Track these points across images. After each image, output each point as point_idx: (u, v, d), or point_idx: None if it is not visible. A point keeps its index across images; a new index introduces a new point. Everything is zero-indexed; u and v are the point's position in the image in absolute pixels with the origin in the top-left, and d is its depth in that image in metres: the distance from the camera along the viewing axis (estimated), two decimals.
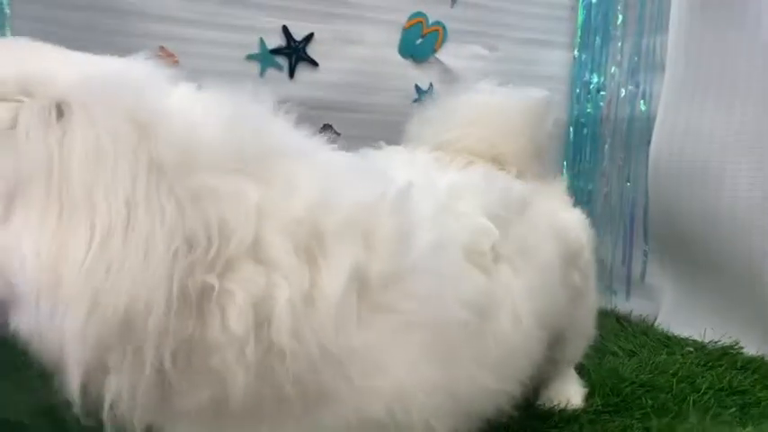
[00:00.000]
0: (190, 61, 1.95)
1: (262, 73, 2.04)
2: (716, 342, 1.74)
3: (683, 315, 1.91)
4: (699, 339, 1.78)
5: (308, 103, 2.15)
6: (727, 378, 1.48)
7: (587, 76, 2.32)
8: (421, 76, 2.24)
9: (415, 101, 2.21)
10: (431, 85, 2.24)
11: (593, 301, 1.32)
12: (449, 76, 2.26)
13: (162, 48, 1.91)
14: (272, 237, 0.69)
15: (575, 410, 1.32)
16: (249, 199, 0.69)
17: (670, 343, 1.81)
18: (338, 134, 2.13)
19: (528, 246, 0.99)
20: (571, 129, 2.39)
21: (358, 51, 2.14)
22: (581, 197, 2.32)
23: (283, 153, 0.76)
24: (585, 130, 2.33)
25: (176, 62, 1.93)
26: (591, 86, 2.30)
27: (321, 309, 0.69)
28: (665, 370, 1.55)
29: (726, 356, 1.64)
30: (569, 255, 1.17)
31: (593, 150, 2.30)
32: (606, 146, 2.25)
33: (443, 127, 1.22)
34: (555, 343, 1.18)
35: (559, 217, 1.19)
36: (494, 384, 0.85)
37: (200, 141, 0.69)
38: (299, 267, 0.69)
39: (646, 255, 2.10)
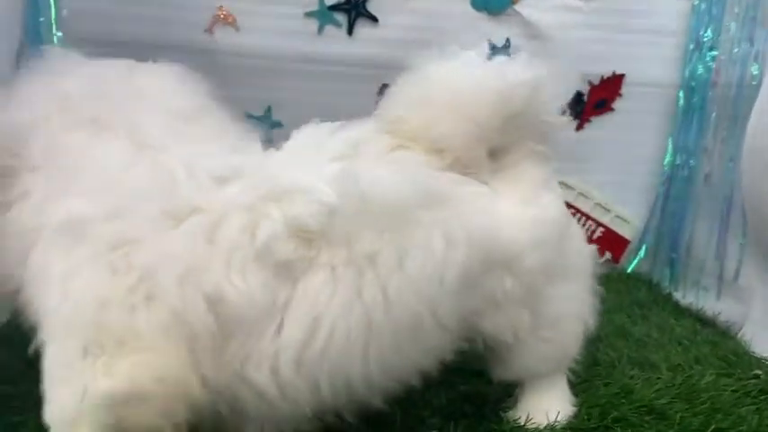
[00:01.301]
0: (248, 20, 1.96)
1: (320, 30, 1.98)
2: None
3: None
4: None
5: (366, 62, 2.10)
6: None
7: (702, 30, 1.94)
8: (496, 30, 2.01)
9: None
10: (507, 41, 2.01)
11: (561, 307, 1.16)
12: (530, 30, 2.01)
13: (220, 7, 1.93)
14: None
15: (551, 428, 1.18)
16: None
17: (739, 361, 1.52)
18: None
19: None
20: (681, 94, 2.04)
21: (422, 4, 1.98)
22: (681, 175, 2.00)
23: None
24: (695, 97, 1.97)
25: (234, 21, 1.95)
26: (704, 42, 1.92)
27: None
28: (695, 390, 1.31)
29: None
30: (494, 259, 1.03)
31: (700, 120, 1.94)
32: (713, 115, 1.89)
33: (392, 103, 1.10)
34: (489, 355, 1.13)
35: (487, 216, 1.03)
36: None
37: None
38: None
39: (742, 250, 1.76)
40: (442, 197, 0.98)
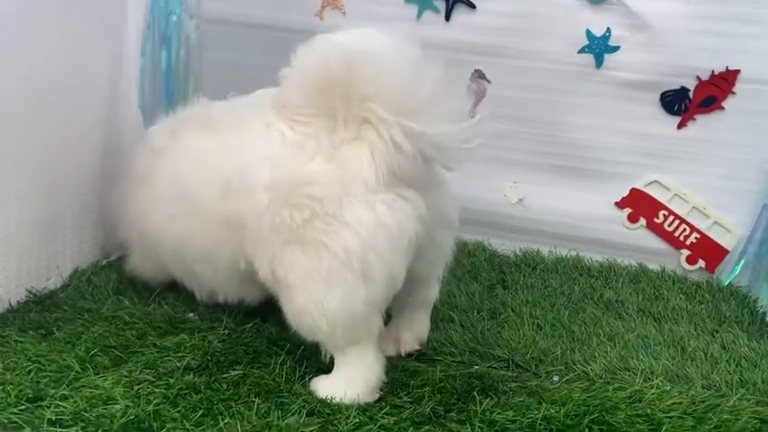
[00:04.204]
0: (353, 5, 2.10)
1: (419, 15, 2.06)
2: None
3: None
4: None
5: (462, 48, 2.14)
6: None
7: None
8: (596, 19, 1.95)
9: (584, 49, 1.96)
10: (608, 30, 1.94)
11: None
12: (633, 20, 1.92)
13: None
14: None
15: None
16: None
17: None
18: (489, 81, 2.05)
19: None
20: None
21: None
22: None
23: None
24: None
25: (342, 6, 2.10)
26: None
27: None
28: (714, 412, 1.23)
29: None
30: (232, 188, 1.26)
31: None
32: None
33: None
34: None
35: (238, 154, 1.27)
36: None
37: None
38: None
39: None
40: None
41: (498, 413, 1.17)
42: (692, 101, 1.93)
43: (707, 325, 1.72)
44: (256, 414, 1.07)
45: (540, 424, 1.15)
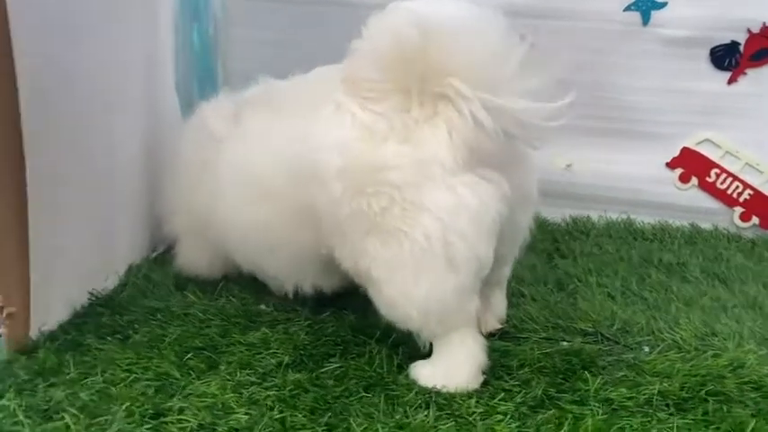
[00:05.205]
0: None
1: None
2: None
3: None
4: None
5: (499, 9, 2.06)
6: None
7: None
8: None
9: (630, 7, 1.90)
10: None
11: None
12: None
13: None
14: None
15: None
16: None
17: None
18: (532, 45, 1.98)
19: None
20: None
21: None
22: None
23: None
24: None
25: None
26: None
27: None
28: None
29: None
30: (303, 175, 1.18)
31: None
32: None
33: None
34: None
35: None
36: None
37: None
38: None
39: None
40: None
41: (611, 390, 1.14)
42: (742, 55, 1.90)
43: None
44: (382, 412, 1.03)
45: (656, 399, 1.12)
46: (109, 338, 1.24)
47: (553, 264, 1.79)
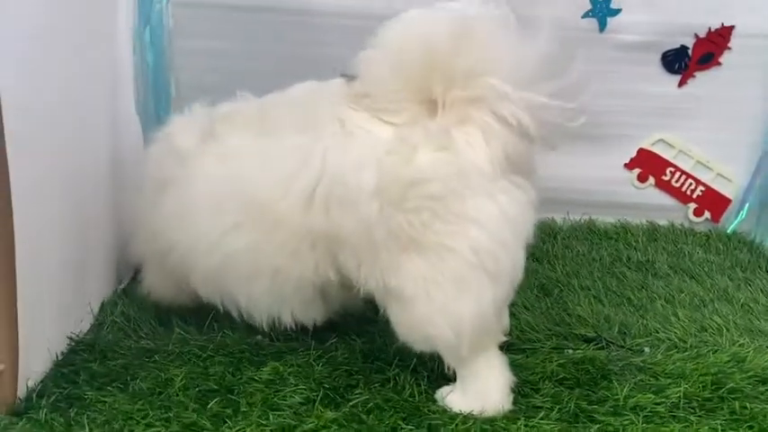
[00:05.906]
0: None
1: None
2: None
3: None
4: None
5: None
6: None
7: None
8: None
9: (588, 14, 1.96)
10: None
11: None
12: None
13: None
14: None
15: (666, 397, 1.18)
16: None
17: None
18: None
19: None
20: None
21: None
22: None
23: None
24: None
25: None
26: None
27: None
28: None
29: None
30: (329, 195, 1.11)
31: None
32: None
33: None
34: None
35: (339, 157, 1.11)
36: None
37: None
38: None
39: None
40: None
41: (640, 397, 1.16)
42: (691, 58, 1.99)
43: (738, 274, 1.80)
44: None
45: (684, 402, 1.15)
46: (109, 388, 1.12)
47: (530, 267, 1.81)
